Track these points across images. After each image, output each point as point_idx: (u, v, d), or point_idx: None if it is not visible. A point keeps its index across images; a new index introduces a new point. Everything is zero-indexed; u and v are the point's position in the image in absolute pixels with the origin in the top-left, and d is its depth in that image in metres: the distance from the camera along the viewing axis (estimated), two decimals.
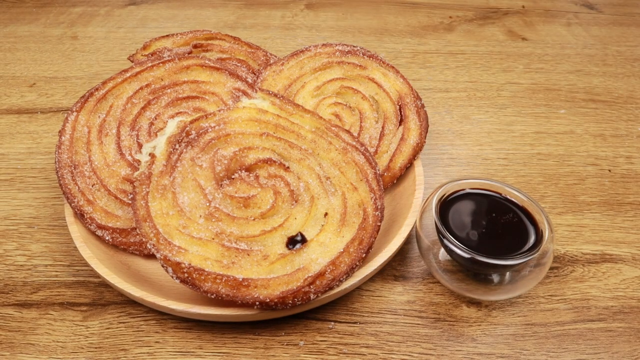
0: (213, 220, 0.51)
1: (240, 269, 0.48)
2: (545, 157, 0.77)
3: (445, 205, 0.55)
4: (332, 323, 0.54)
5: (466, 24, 1.16)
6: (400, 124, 0.66)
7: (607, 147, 0.79)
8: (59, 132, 0.60)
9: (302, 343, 0.52)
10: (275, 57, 0.76)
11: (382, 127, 0.65)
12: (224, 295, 0.47)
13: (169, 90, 0.64)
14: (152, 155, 0.54)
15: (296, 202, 0.54)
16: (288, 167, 0.57)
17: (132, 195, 0.53)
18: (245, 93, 0.64)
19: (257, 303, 0.47)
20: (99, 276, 0.52)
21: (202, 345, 0.52)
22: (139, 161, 0.58)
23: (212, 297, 0.47)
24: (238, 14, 1.19)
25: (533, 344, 0.52)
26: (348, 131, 0.61)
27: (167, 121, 0.60)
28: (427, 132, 0.67)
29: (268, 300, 0.47)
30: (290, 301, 0.48)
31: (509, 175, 0.73)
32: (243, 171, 0.56)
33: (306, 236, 0.52)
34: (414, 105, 0.67)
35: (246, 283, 0.47)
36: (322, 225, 0.53)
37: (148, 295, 0.50)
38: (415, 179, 0.63)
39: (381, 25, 1.15)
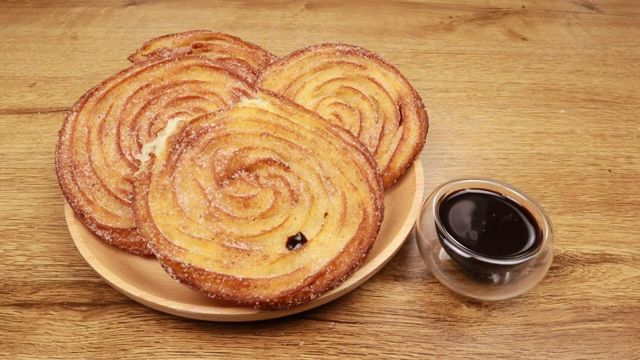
0: (213, 220, 0.51)
1: (240, 269, 0.48)
2: (545, 157, 0.77)
3: (445, 205, 0.55)
4: (332, 323, 0.54)
5: (466, 24, 1.16)
6: (400, 124, 0.66)
7: (607, 147, 0.79)
8: (59, 132, 0.60)
9: (302, 343, 0.52)
10: (275, 57, 0.76)
11: (382, 127, 0.65)
12: (224, 295, 0.47)
13: (169, 90, 0.64)
14: (152, 155, 0.54)
15: (296, 202, 0.54)
16: (288, 167, 0.57)
17: (132, 195, 0.53)
18: (245, 93, 0.64)
19: (257, 303, 0.47)
20: (99, 276, 0.52)
21: (202, 345, 0.52)
22: (139, 161, 0.58)
23: (212, 297, 0.47)
24: (238, 14, 1.19)
25: (533, 344, 0.52)
26: (348, 131, 0.61)
27: (167, 121, 0.60)
28: (427, 132, 0.67)
29: (268, 300, 0.47)
30: (290, 301, 0.48)
31: (509, 175, 0.73)
32: (243, 171, 0.56)
33: (306, 236, 0.52)
34: (414, 105, 0.67)
35: (246, 283, 0.47)
36: (322, 225, 0.53)
37: (148, 295, 0.50)
38: (415, 179, 0.63)
39: (381, 25, 1.15)
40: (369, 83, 0.69)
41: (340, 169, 0.57)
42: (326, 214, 0.53)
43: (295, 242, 0.51)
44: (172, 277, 0.48)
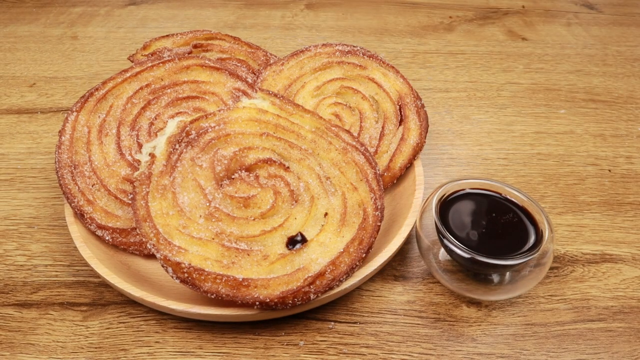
0: (213, 220, 0.51)
1: (240, 269, 0.48)
2: (545, 157, 0.77)
3: (445, 205, 0.55)
4: (332, 323, 0.54)
5: (466, 24, 1.16)
6: (400, 124, 0.66)
7: (607, 147, 0.79)
8: (59, 132, 0.60)
9: (302, 343, 0.52)
10: (275, 57, 0.76)
11: (382, 127, 0.65)
12: (224, 295, 0.47)
13: (169, 90, 0.64)
14: (152, 155, 0.54)
15: (296, 202, 0.54)
16: (288, 167, 0.57)
17: (132, 195, 0.53)
18: (245, 93, 0.64)
19: (257, 303, 0.47)
20: (99, 276, 0.52)
21: (202, 345, 0.52)
22: (139, 161, 0.58)
23: (212, 297, 0.47)
24: (238, 14, 1.19)
25: (533, 344, 0.52)
26: (348, 131, 0.61)
27: (167, 121, 0.60)
28: (427, 132, 0.67)
29: (268, 300, 0.47)
30: (290, 301, 0.48)
31: (509, 175, 0.73)
32: (243, 171, 0.56)
33: (306, 236, 0.52)
34: (414, 105, 0.67)
35: (246, 283, 0.47)
36: (322, 225, 0.53)
37: (148, 295, 0.50)
38: (415, 179, 0.63)
39: (381, 25, 1.15)
40: (369, 83, 0.69)
41: (340, 169, 0.57)
42: (326, 214, 0.53)
43: (295, 242, 0.51)
44: (172, 277, 0.48)
